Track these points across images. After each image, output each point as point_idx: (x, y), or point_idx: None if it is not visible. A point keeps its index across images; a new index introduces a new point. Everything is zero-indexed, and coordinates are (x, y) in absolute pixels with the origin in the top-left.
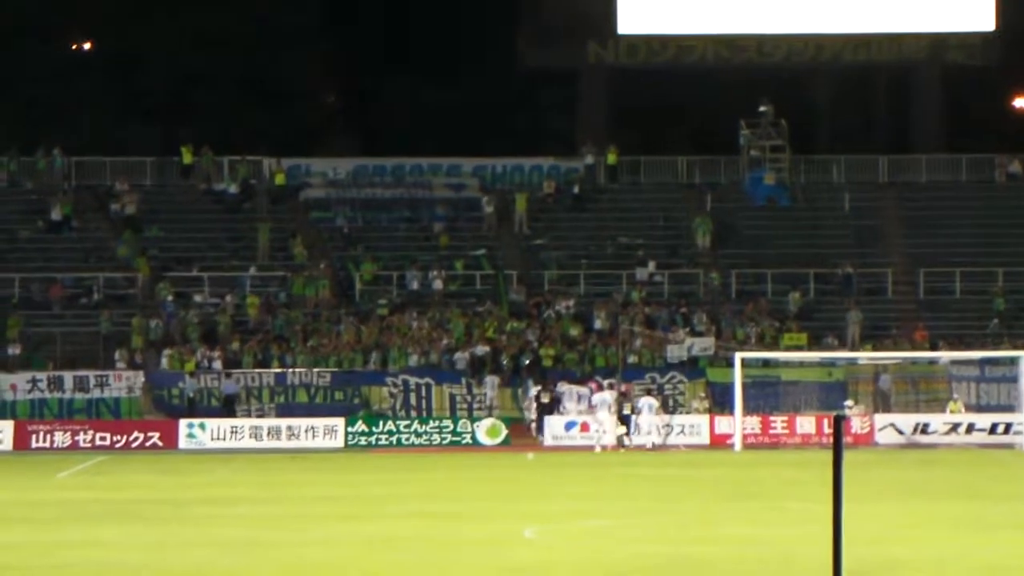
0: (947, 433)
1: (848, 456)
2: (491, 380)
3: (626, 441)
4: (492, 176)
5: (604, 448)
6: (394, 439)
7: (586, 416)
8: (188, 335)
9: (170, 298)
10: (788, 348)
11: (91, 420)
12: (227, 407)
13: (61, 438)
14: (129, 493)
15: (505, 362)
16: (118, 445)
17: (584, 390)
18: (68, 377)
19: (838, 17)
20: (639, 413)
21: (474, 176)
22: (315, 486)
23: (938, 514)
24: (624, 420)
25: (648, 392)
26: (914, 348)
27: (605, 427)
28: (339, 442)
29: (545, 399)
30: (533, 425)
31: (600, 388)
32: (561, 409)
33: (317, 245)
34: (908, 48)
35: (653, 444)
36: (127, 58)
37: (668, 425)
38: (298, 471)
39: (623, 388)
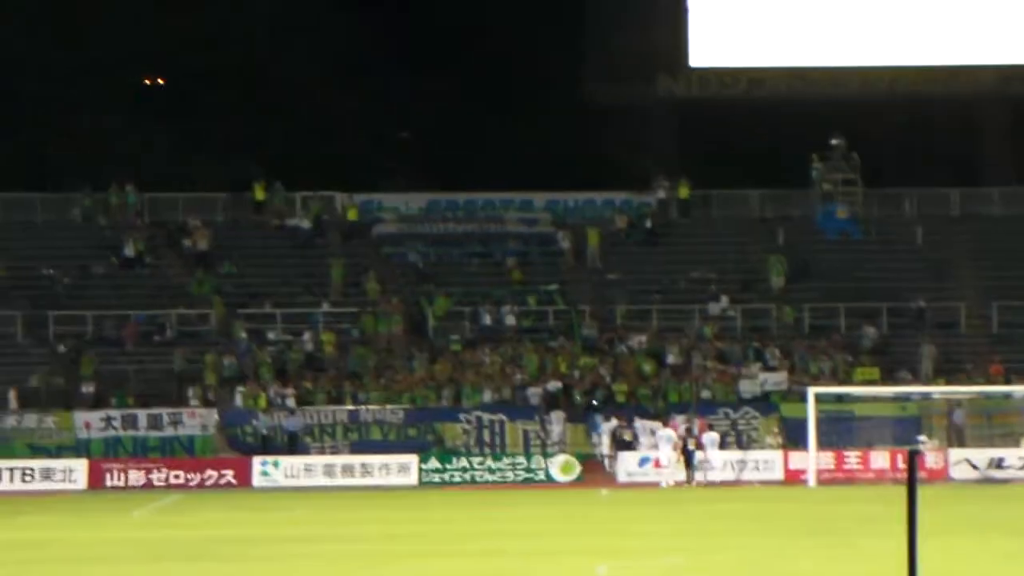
0: (1022, 468)
1: (922, 491)
2: (556, 416)
3: (690, 477)
4: (564, 211)
5: (669, 484)
6: (468, 476)
7: (653, 452)
8: (261, 372)
9: (243, 335)
10: (861, 383)
11: (165, 458)
12: (291, 444)
13: (135, 476)
14: (204, 531)
15: (578, 398)
16: (192, 483)
17: (658, 426)
18: (142, 415)
19: (909, 50)
20: (703, 448)
21: (546, 211)
22: (389, 523)
23: (1014, 550)
24: (688, 456)
25: (710, 427)
26: (988, 382)
27: (669, 463)
28: (413, 479)
29: (625, 435)
30: (606, 460)
31: (665, 423)
32: (635, 445)
33: (390, 281)
34: (979, 80)
35: (695, 479)
36: (198, 93)
37: (741, 460)
38: (372, 508)
39: (689, 423)
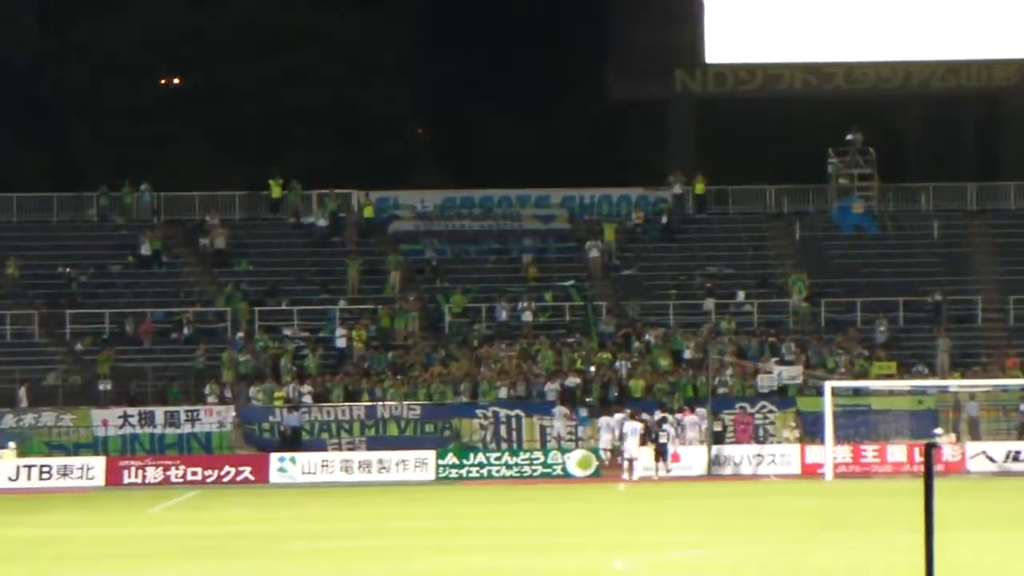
0: None
1: (939, 484)
2: (558, 411)
3: (660, 470)
4: (580, 207)
5: (636, 479)
6: (485, 471)
7: (619, 445)
8: (278, 369)
9: (260, 332)
10: (878, 377)
11: (182, 455)
12: (292, 440)
13: (153, 473)
14: (222, 528)
15: (595, 393)
16: (209, 480)
17: (680, 416)
18: (159, 412)
19: (926, 44)
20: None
21: (562, 207)
22: (407, 519)
23: None
24: (660, 449)
25: (633, 417)
26: (1004, 376)
27: (636, 456)
28: (430, 475)
29: (640, 430)
30: (604, 454)
31: (633, 417)
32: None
33: (406, 278)
34: (997, 74)
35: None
36: (216, 94)
37: (759, 454)
38: (389, 504)
39: (658, 416)
